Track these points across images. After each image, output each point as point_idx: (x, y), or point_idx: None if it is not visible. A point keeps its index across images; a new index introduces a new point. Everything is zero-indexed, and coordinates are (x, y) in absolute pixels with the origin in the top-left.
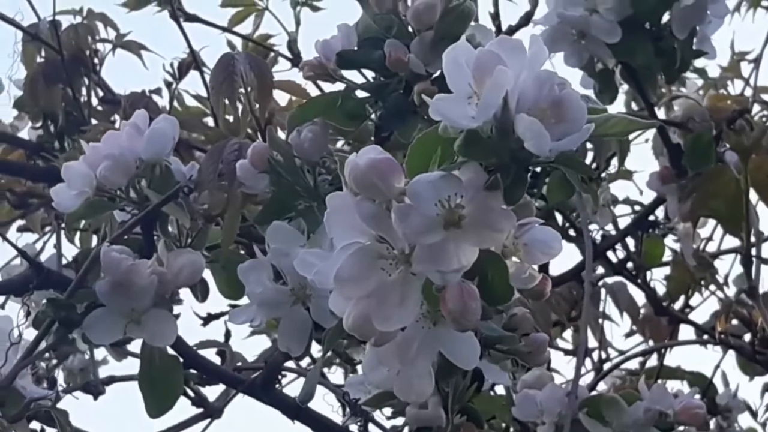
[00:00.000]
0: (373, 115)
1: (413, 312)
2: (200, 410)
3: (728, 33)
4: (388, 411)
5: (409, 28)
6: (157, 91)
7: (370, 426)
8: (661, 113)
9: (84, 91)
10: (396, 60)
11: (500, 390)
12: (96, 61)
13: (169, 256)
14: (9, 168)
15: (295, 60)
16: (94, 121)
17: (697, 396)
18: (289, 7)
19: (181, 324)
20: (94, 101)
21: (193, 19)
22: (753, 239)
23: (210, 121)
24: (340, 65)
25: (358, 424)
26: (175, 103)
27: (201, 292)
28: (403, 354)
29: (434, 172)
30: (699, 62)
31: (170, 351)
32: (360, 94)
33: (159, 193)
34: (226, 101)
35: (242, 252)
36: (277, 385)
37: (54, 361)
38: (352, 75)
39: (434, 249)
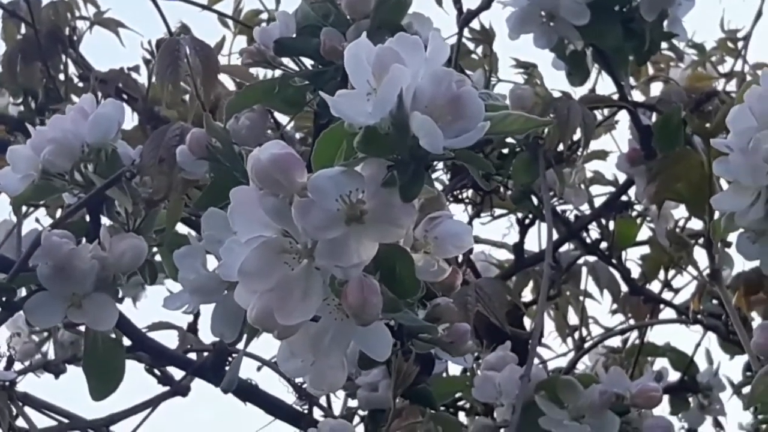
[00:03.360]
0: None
1: (315, 306)
2: (167, 388)
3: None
4: None
5: (347, 16)
6: (136, 69)
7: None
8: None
9: (62, 68)
10: (331, 48)
11: None
12: (75, 38)
13: (112, 240)
14: None
15: None
16: (74, 97)
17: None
18: None
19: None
20: (75, 78)
21: None
22: None
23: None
24: (278, 53)
25: (304, 407)
26: (154, 80)
27: (149, 274)
28: (316, 345)
29: (335, 167)
30: (698, 37)
31: (114, 335)
32: (299, 81)
33: (104, 178)
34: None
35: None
36: (227, 367)
37: (45, 334)
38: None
39: (335, 244)
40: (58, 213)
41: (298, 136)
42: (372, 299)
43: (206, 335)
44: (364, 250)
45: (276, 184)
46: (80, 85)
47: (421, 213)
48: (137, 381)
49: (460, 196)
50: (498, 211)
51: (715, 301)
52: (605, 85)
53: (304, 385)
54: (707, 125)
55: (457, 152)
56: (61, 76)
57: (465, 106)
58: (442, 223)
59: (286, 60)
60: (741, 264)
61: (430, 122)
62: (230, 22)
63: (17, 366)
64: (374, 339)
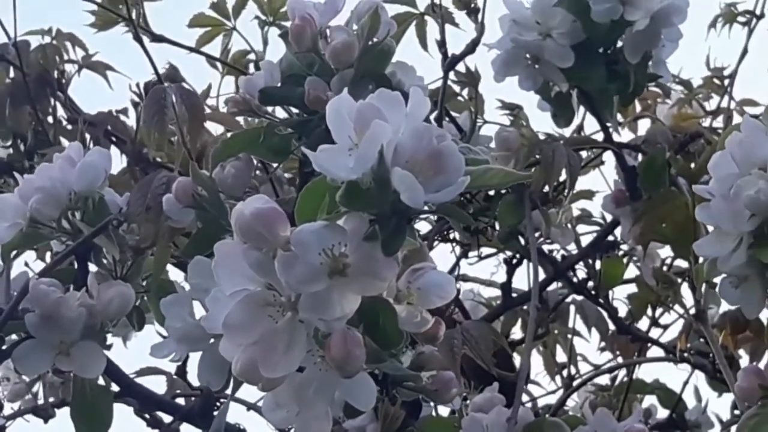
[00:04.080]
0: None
1: (299, 359)
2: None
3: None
4: None
5: (331, 65)
6: (124, 111)
7: None
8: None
9: (50, 111)
10: (315, 98)
11: None
12: (64, 81)
13: (100, 288)
14: None
15: None
16: (63, 140)
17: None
18: (257, 27)
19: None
20: (63, 121)
21: (159, 39)
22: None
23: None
24: (262, 101)
25: None
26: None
27: (137, 321)
28: (301, 396)
29: (318, 221)
30: (685, 74)
31: (103, 381)
32: (285, 129)
33: (92, 225)
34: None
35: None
36: (215, 412)
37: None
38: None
39: (318, 297)
40: (47, 255)
41: (287, 176)
42: (355, 352)
43: (195, 378)
44: (347, 303)
45: (259, 238)
46: (69, 127)
47: (404, 264)
48: (126, 424)
49: (447, 236)
50: (485, 251)
51: (702, 339)
52: (593, 123)
53: (291, 431)
54: (692, 166)
55: (438, 206)
56: (50, 119)
57: (445, 161)
58: (425, 274)
59: (270, 108)
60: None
61: (410, 177)
62: (218, 63)
63: (6, 410)
64: (358, 389)
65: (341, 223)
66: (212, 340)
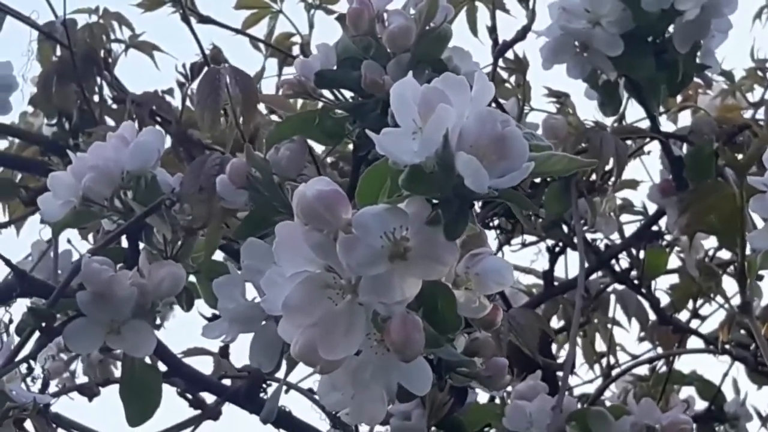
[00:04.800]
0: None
1: (358, 342)
2: (198, 412)
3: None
4: None
5: (388, 49)
6: (170, 92)
7: None
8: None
9: (96, 90)
10: (371, 82)
11: None
12: (110, 60)
13: (151, 267)
14: (23, 164)
15: None
16: (108, 119)
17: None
18: (303, 10)
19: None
20: (109, 100)
21: (206, 21)
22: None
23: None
24: (318, 84)
25: None
26: (188, 103)
27: (186, 301)
28: (357, 379)
29: (380, 204)
30: (726, 64)
31: (150, 361)
32: (339, 112)
33: (144, 205)
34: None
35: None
36: (261, 394)
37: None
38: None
39: (378, 280)
40: (91, 234)
41: (329, 160)
42: (415, 336)
43: (237, 359)
44: (407, 286)
45: (321, 220)
46: (114, 107)
47: (462, 249)
48: (168, 404)
49: (490, 224)
50: (528, 239)
51: (743, 332)
52: (634, 112)
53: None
54: (739, 157)
55: (501, 191)
56: (96, 98)
57: (510, 147)
58: (484, 259)
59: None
60: None
61: (475, 162)
62: (261, 45)
63: (51, 388)
64: (415, 374)
65: (403, 206)
66: (264, 322)
